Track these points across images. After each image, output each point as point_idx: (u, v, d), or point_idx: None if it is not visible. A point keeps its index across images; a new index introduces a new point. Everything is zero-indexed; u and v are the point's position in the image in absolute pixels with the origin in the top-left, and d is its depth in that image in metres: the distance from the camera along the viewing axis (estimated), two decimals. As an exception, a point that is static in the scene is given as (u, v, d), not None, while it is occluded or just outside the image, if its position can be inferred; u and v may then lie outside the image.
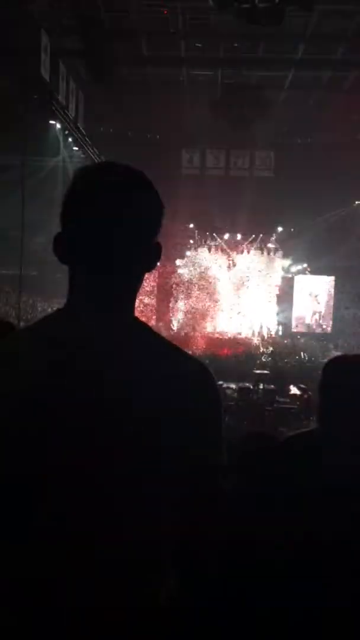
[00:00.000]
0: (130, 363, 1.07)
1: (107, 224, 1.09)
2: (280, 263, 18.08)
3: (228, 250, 18.02)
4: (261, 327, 17.42)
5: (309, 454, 1.84)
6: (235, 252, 18.01)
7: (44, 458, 1.03)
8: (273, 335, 17.49)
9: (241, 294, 17.85)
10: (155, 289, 17.33)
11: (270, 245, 17.94)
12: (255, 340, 16.96)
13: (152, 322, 16.35)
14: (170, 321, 17.07)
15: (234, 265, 17.99)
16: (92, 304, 1.11)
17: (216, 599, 1.13)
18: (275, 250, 17.97)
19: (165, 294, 17.59)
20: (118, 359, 1.07)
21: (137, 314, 1.16)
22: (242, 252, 17.96)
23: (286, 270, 18.16)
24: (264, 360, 14.83)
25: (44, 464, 1.03)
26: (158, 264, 1.20)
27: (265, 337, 17.13)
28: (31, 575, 1.03)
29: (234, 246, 18.08)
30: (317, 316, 18.02)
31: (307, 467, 1.81)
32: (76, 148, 14.23)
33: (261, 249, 17.96)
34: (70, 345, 1.07)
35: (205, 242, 17.98)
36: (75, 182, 1.13)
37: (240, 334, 17.32)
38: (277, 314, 18.12)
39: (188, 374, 1.11)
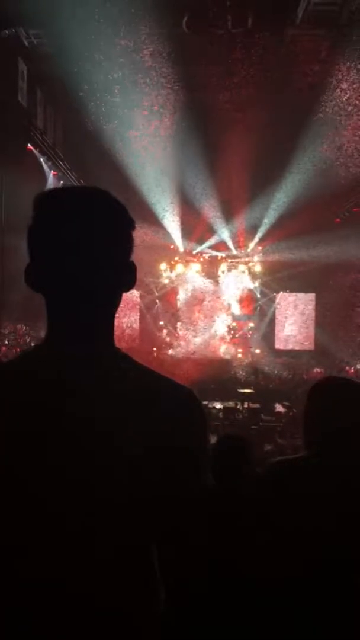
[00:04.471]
0: (115, 398, 1.04)
1: (76, 249, 1.03)
2: (262, 280, 18.18)
3: (209, 269, 18.05)
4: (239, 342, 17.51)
5: (296, 481, 1.82)
6: (215, 270, 18.05)
7: (26, 495, 1.01)
8: (258, 352, 17.53)
9: (221, 312, 17.87)
10: (138, 312, 17.33)
11: (251, 262, 18.04)
12: (239, 355, 17.01)
13: (134, 344, 16.33)
14: (153, 346, 16.91)
15: (216, 282, 18.01)
16: (72, 336, 1.06)
17: (204, 613, 1.13)
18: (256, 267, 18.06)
19: (148, 317, 17.61)
20: (103, 395, 1.04)
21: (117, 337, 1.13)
22: (222, 270, 18.02)
23: (267, 287, 18.25)
24: (247, 378, 14.84)
25: (25, 500, 1.01)
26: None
27: (250, 356, 17.17)
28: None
29: (213, 263, 18.13)
30: (298, 333, 18.10)
31: (292, 493, 1.80)
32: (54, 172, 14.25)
33: (244, 265, 18.05)
34: (52, 383, 1.03)
35: (186, 260, 18.03)
36: (37, 210, 1.07)
37: (222, 353, 17.33)
38: (259, 331, 18.17)
39: (176, 404, 1.08)
